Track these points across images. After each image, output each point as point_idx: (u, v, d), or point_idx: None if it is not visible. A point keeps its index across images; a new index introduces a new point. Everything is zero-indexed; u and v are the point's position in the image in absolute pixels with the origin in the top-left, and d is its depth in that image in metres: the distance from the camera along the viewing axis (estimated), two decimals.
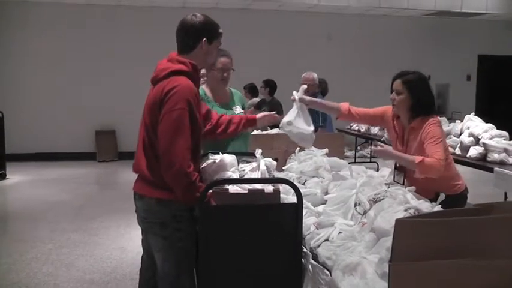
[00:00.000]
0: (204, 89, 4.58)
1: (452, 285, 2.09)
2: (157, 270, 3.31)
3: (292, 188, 3.15)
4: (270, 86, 9.60)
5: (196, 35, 3.25)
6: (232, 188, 3.14)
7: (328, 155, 4.66)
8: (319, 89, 8.12)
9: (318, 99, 4.55)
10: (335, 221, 3.18)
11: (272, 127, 7.60)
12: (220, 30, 3.35)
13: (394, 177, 4.02)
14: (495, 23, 15.60)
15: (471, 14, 14.52)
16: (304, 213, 3.38)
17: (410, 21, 15.05)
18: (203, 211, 3.04)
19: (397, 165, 3.97)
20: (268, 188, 3.20)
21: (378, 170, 4.39)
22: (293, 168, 4.56)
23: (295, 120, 3.91)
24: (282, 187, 3.36)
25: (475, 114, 7.75)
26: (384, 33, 15.02)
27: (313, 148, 4.84)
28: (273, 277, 3.08)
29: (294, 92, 4.00)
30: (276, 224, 3.09)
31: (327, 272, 2.70)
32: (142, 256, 3.55)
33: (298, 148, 4.88)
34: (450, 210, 2.52)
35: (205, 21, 3.29)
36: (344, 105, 4.34)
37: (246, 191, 3.13)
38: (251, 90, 10.35)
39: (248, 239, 3.06)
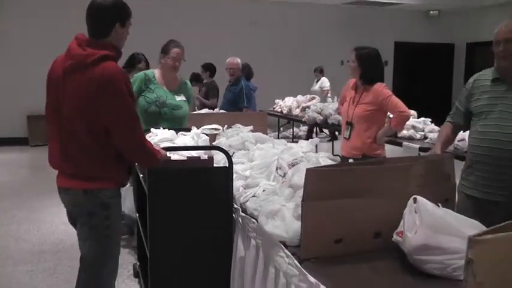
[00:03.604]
0: (154, 72, 5.26)
1: (350, 219, 2.68)
2: (83, 258, 3.31)
3: (224, 154, 3.72)
4: (210, 69, 10.34)
5: (111, 18, 3.13)
6: (174, 156, 3.64)
7: (253, 131, 5.23)
8: (243, 73, 8.67)
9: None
10: (259, 182, 3.72)
11: (201, 108, 8.23)
12: (131, 11, 3.26)
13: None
14: (410, 12, 16.54)
15: (388, 4, 15.35)
16: (234, 177, 3.94)
17: (331, 10, 15.78)
18: (152, 175, 3.50)
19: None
20: (204, 155, 3.76)
21: None
22: (222, 143, 5.05)
23: None
24: (215, 157, 3.91)
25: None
26: (307, 21, 15.69)
27: (239, 125, 5.43)
28: (209, 229, 3.63)
29: None
30: (211, 184, 3.64)
31: (254, 221, 3.23)
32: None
33: (226, 125, 5.44)
34: (350, 162, 3.15)
35: (115, 2, 3.17)
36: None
37: (185, 158, 3.66)
38: (194, 78, 10.90)
39: (189, 198, 3.58)
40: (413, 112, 7.58)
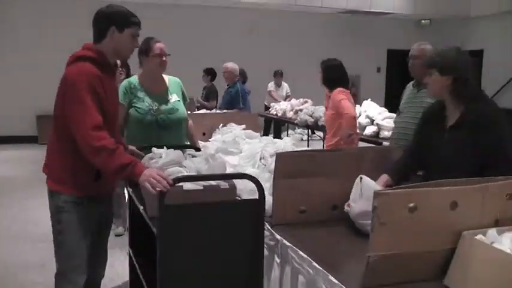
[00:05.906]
0: (136, 79, 4.63)
1: (312, 194, 3.36)
2: None
3: (254, 184, 3.02)
4: (211, 73, 11.02)
5: (105, 22, 3.17)
6: (187, 185, 2.95)
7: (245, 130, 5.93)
8: (240, 77, 9.44)
9: None
10: (246, 169, 4.40)
11: (200, 109, 8.96)
12: (134, 20, 3.24)
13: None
14: (402, 21, 17.17)
15: (380, 13, 16.04)
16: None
17: (327, 18, 16.46)
18: (159, 211, 2.79)
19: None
20: (224, 183, 3.06)
21: None
22: (217, 139, 5.75)
23: None
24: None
25: (385, 102, 9.12)
26: (303, 28, 16.41)
27: (233, 124, 6.14)
28: (235, 277, 3.01)
29: None
30: (234, 222, 2.97)
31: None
32: None
33: (221, 124, 6.17)
34: (315, 150, 3.82)
35: (115, 10, 3.21)
36: None
37: (201, 188, 2.97)
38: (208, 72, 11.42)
39: (207, 239, 2.90)
40: (394, 115, 8.20)
